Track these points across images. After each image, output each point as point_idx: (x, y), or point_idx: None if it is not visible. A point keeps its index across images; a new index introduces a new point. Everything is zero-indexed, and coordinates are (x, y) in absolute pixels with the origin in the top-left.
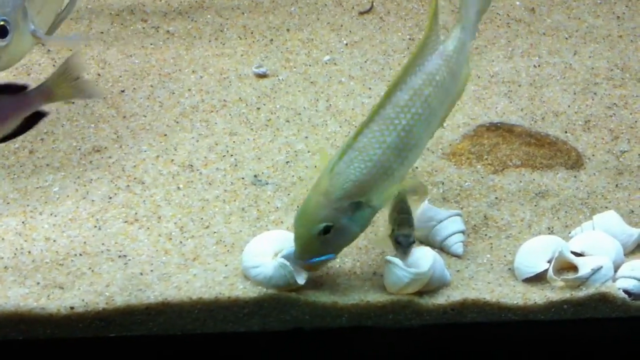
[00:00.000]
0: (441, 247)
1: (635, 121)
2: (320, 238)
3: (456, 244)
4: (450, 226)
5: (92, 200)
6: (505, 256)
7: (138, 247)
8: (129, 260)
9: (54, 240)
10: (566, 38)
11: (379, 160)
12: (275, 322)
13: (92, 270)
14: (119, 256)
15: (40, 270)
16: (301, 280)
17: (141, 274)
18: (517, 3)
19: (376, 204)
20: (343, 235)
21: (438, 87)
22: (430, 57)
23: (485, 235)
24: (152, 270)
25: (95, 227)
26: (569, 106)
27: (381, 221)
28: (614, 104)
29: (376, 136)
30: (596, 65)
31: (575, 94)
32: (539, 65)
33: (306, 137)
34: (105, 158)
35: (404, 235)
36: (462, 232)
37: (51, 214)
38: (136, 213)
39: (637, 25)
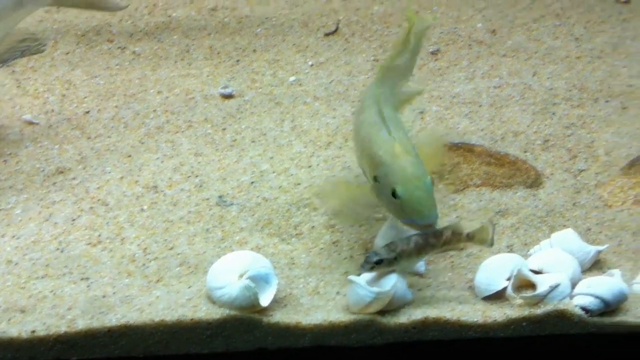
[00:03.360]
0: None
1: (593, 140)
2: (433, 192)
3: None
4: None
5: (55, 223)
6: (466, 274)
7: (101, 270)
8: (92, 282)
9: (16, 263)
10: (526, 59)
11: (405, 129)
12: (239, 343)
13: (54, 293)
14: (82, 279)
15: (2, 293)
16: (265, 301)
17: (103, 296)
18: (479, 25)
19: None
20: None
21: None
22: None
23: (447, 253)
24: (114, 293)
25: (58, 249)
26: (528, 126)
27: (345, 241)
28: (572, 123)
29: (396, 115)
30: (555, 86)
31: (534, 114)
32: (499, 86)
33: (271, 158)
34: (69, 179)
35: (376, 254)
36: None
37: (13, 237)
38: (99, 235)
39: (594, 47)
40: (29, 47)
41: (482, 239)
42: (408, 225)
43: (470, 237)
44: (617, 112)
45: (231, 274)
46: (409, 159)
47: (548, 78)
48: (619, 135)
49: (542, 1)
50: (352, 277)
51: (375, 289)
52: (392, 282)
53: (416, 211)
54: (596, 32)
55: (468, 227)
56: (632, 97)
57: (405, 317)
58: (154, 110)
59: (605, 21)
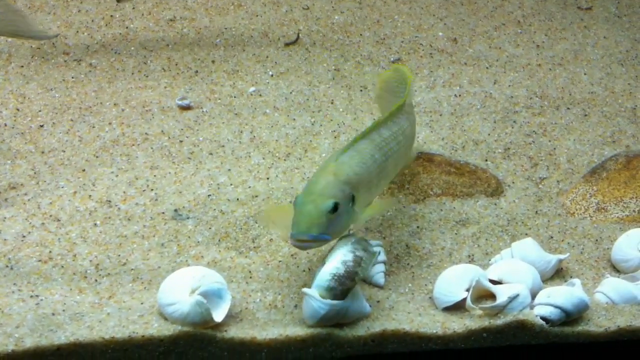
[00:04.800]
0: (363, 278)
1: (554, 148)
2: (327, 215)
3: (377, 274)
4: None
5: (5, 239)
6: (426, 285)
7: (51, 287)
8: (41, 300)
9: None
10: (487, 67)
11: (370, 165)
12: None
13: (2, 312)
14: (31, 296)
15: None
16: (218, 317)
17: (53, 314)
18: (440, 34)
19: (358, 209)
20: (341, 221)
21: (403, 141)
22: (402, 119)
23: (408, 264)
24: (64, 310)
25: (7, 266)
26: (489, 134)
27: (304, 254)
28: (533, 131)
29: (369, 148)
30: (516, 94)
31: (495, 122)
32: (460, 95)
33: (229, 170)
34: (21, 195)
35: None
36: (383, 262)
37: None
38: (50, 251)
39: (555, 54)
40: None
41: None
42: (290, 240)
43: None
44: (578, 119)
45: (182, 290)
46: (328, 178)
47: (509, 86)
48: (581, 142)
49: (503, 9)
50: (306, 290)
51: (329, 301)
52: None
53: (295, 223)
54: (557, 39)
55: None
56: (594, 104)
57: (364, 330)
58: (110, 123)
59: (567, 28)
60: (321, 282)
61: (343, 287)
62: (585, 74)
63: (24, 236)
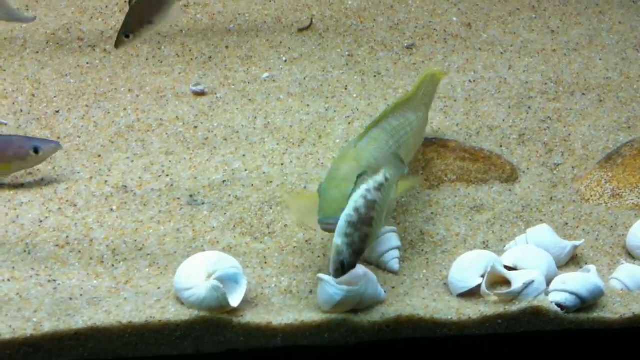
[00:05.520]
0: (377, 264)
1: (569, 134)
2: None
3: (392, 260)
4: (386, 243)
5: (22, 224)
6: (440, 271)
7: (68, 271)
8: (59, 284)
9: None
10: (501, 53)
11: (386, 152)
12: (209, 345)
13: (20, 296)
14: (49, 281)
15: None
16: (234, 302)
17: (70, 298)
18: (454, 19)
19: None
20: None
21: (411, 132)
22: (411, 111)
23: (422, 250)
24: (81, 295)
25: (25, 251)
26: (503, 120)
27: (318, 239)
28: (548, 117)
29: (383, 135)
30: (530, 80)
31: (509, 108)
32: (474, 81)
33: (243, 155)
34: (37, 180)
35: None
36: (398, 248)
37: None
38: (67, 236)
39: (570, 39)
40: None
41: None
42: (319, 225)
43: None
44: (593, 105)
45: (199, 275)
46: (350, 164)
47: (524, 71)
48: (596, 128)
49: None
50: (322, 275)
51: (345, 287)
52: (361, 280)
53: (322, 208)
54: (572, 24)
55: None
56: (609, 90)
57: (378, 316)
58: (125, 109)
59: (582, 13)
60: (339, 230)
61: (360, 232)
62: (600, 59)
63: (41, 221)
